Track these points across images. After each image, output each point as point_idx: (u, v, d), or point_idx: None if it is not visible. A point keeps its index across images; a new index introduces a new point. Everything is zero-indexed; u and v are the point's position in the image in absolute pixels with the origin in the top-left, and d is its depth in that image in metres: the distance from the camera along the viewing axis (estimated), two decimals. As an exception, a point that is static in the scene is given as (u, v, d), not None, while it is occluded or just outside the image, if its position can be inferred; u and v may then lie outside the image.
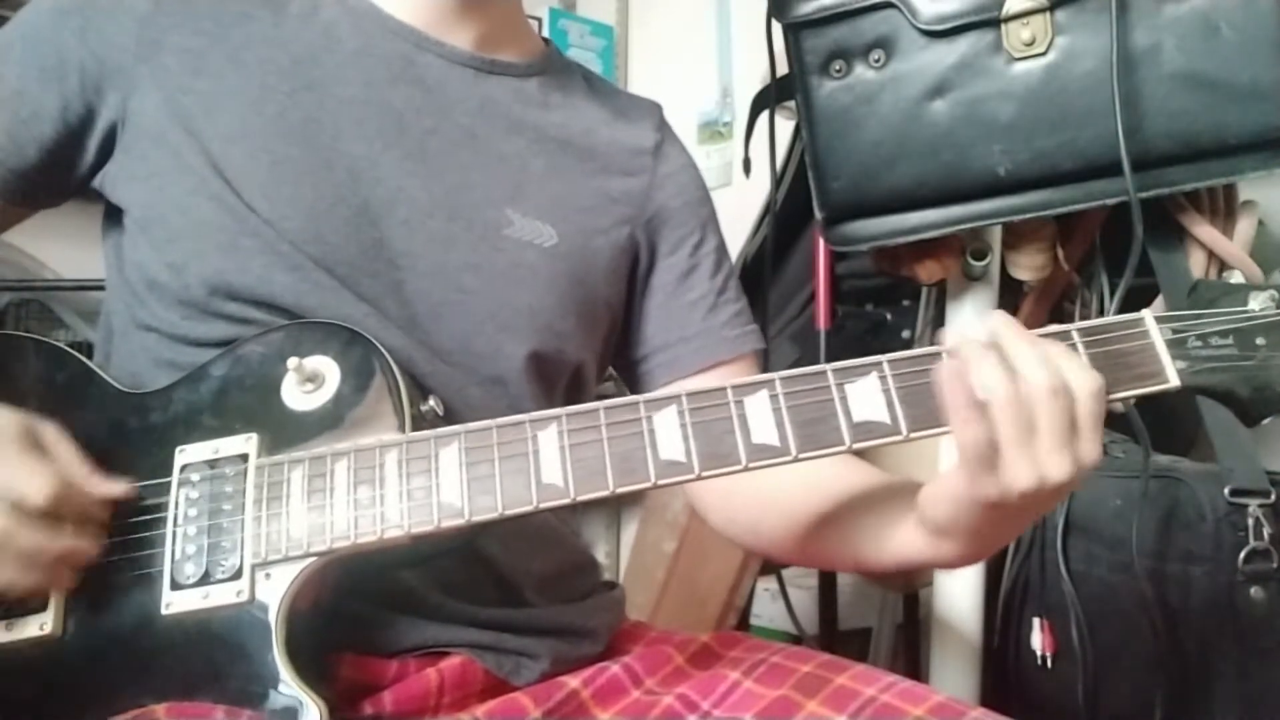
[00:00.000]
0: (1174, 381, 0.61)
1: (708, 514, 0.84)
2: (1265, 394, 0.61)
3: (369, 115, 0.74)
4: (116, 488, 0.62)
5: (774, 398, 0.61)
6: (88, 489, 0.61)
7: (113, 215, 0.76)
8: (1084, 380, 0.57)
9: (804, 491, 0.74)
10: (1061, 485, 0.57)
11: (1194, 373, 0.61)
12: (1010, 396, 0.56)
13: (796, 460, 0.60)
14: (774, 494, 0.76)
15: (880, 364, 0.61)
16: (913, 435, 0.60)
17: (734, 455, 0.60)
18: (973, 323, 0.53)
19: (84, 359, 0.70)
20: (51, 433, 0.62)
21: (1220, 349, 0.61)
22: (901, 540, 0.67)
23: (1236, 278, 1.04)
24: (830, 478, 0.73)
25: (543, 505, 0.60)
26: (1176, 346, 0.61)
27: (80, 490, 0.60)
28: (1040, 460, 0.56)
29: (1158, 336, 0.61)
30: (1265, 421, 0.63)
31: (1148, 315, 0.62)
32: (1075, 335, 0.61)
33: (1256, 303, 0.62)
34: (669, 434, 0.60)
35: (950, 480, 0.61)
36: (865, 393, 0.60)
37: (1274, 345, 0.61)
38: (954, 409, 0.58)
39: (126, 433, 0.67)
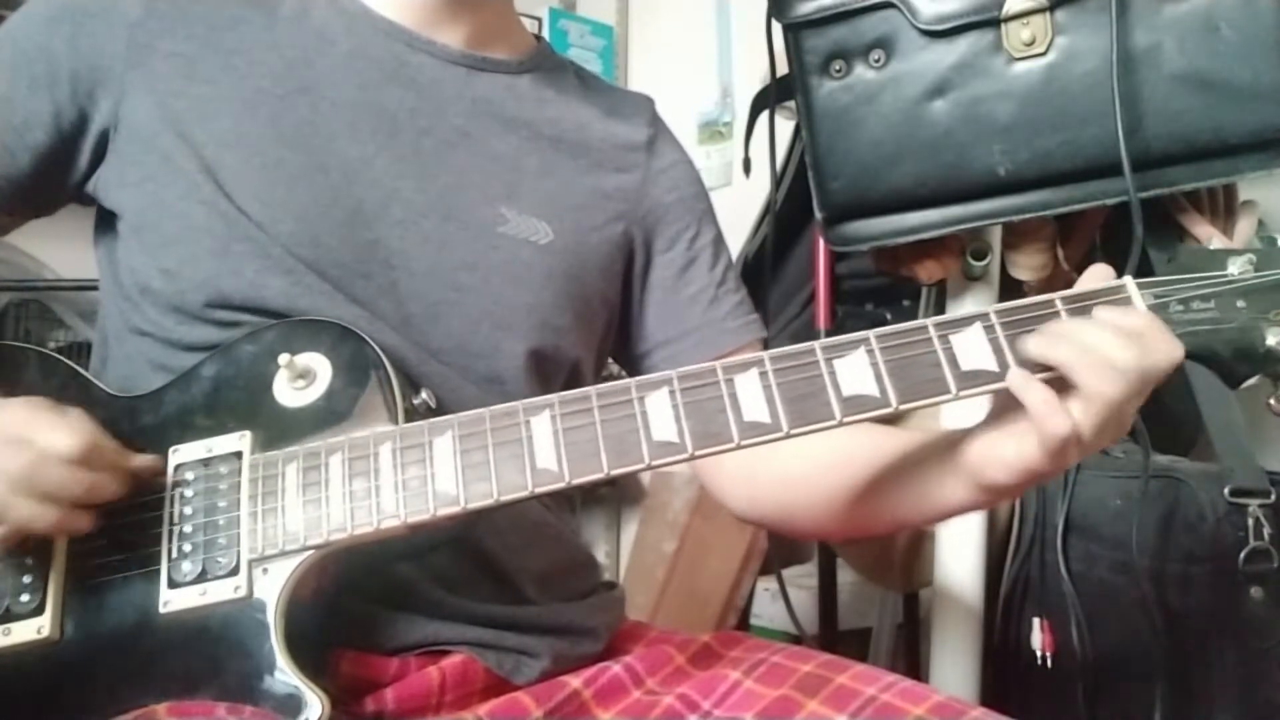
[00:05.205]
0: None
1: (726, 498, 0.83)
2: (1247, 354, 0.62)
3: (362, 117, 0.74)
4: (143, 458, 0.64)
5: (764, 375, 0.61)
6: (114, 451, 0.62)
7: (106, 221, 0.76)
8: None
9: (838, 466, 0.73)
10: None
11: (1177, 335, 0.61)
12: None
13: (788, 436, 0.60)
14: (805, 472, 0.75)
15: (868, 339, 0.61)
16: (902, 407, 0.60)
17: (726, 434, 0.60)
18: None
19: (74, 365, 0.70)
20: (78, 412, 0.63)
21: (1201, 312, 0.62)
22: (945, 496, 0.66)
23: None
24: (862, 446, 0.72)
25: (538, 490, 0.60)
26: (1159, 311, 0.62)
27: (108, 449, 0.62)
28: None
29: (1140, 302, 0.62)
30: (1273, 406, 0.63)
31: (1129, 281, 0.63)
32: (1059, 304, 0.62)
33: (1235, 267, 0.63)
34: (661, 415, 0.60)
35: (1013, 448, 0.60)
36: (854, 367, 0.60)
37: (1255, 307, 0.62)
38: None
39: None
